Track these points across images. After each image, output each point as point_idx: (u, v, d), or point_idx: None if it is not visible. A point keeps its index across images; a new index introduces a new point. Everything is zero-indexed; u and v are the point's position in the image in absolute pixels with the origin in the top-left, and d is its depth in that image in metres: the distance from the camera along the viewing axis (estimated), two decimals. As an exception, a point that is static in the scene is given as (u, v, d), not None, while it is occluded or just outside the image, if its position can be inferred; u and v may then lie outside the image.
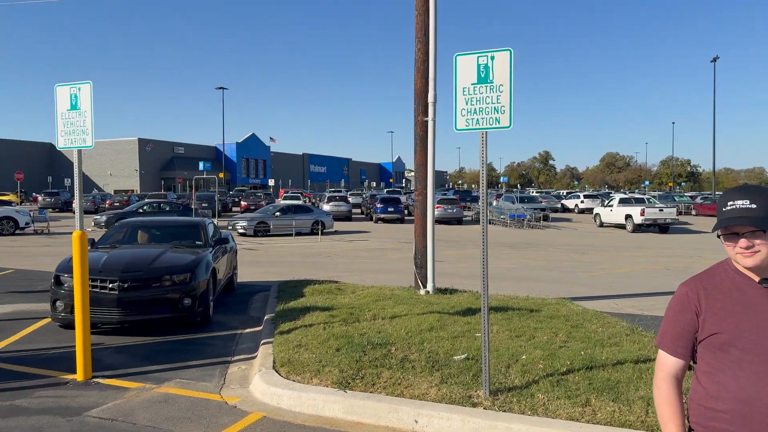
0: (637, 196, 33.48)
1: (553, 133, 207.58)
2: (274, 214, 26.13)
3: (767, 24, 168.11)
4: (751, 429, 1.89)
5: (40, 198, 44.08)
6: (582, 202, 46.23)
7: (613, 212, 30.20)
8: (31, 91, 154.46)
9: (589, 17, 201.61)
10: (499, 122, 5.08)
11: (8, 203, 43.65)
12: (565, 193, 57.59)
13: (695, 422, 2.04)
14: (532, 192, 61.77)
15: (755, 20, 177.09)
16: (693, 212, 42.98)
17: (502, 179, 49.43)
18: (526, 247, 21.46)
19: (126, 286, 7.36)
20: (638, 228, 27.76)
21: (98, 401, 5.33)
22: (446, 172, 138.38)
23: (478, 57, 5.14)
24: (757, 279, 1.97)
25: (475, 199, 44.00)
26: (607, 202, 32.46)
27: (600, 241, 23.61)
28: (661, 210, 27.79)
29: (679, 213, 39.06)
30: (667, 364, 2.09)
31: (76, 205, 6.15)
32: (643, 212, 27.30)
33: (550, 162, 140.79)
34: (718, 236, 1.99)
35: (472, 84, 5.16)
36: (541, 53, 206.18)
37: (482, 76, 5.12)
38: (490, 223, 33.10)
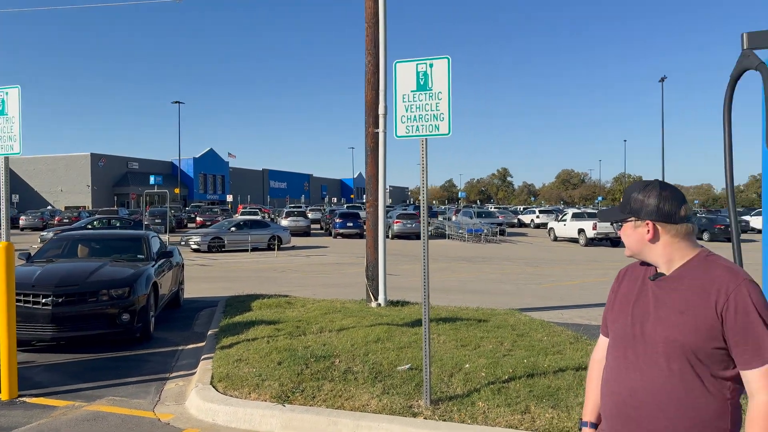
0: (589, 210, 34.28)
1: (511, 151, 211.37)
2: (230, 229, 25.73)
3: (712, 45, 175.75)
4: (605, 411, 2.02)
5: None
6: (537, 217, 47.09)
7: (567, 227, 30.82)
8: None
9: (544, 39, 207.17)
10: (438, 129, 5.08)
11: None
12: (521, 209, 58.57)
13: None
14: (491, 207, 62.61)
15: (701, 42, 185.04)
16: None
17: (460, 194, 49.94)
18: (483, 260, 21.65)
19: (60, 300, 7.04)
20: (590, 242, 28.34)
21: (22, 421, 5.04)
22: (408, 188, 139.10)
23: (417, 64, 5.14)
24: (659, 270, 1.98)
25: (435, 214, 44.26)
26: (560, 217, 33.11)
27: (553, 255, 23.99)
28: (613, 224, 28.45)
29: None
30: (598, 343, 2.22)
31: (2, 214, 5.87)
32: (595, 226, 27.90)
33: (509, 179, 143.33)
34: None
35: (412, 91, 5.16)
36: (502, 74, 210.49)
37: (421, 83, 5.12)
38: (448, 238, 33.42)
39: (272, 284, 13.93)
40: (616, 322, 2.01)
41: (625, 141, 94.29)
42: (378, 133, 9.70)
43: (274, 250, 24.42)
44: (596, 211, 33.30)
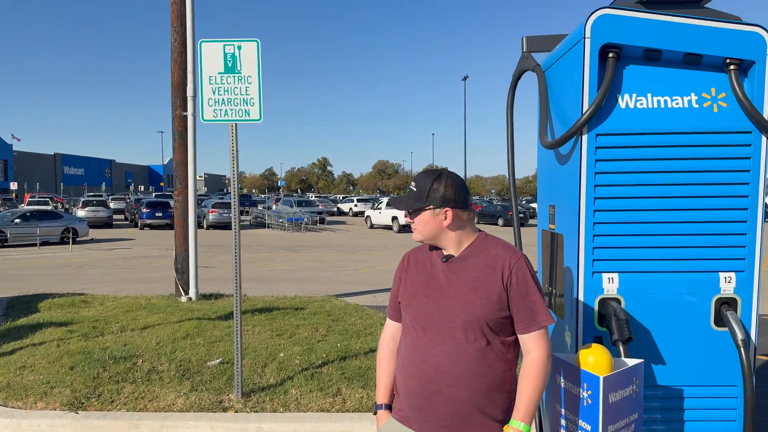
0: (403, 199, 36.00)
1: (331, 141, 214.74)
2: (13, 221, 22.64)
3: (509, 46, 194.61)
4: (405, 387, 2.12)
5: None
6: (356, 205, 48.42)
7: (382, 215, 32.14)
8: None
9: (361, 33, 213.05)
10: (249, 114, 4.93)
11: None
12: (341, 198, 59.82)
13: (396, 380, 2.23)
14: (311, 196, 63.00)
15: (499, 43, 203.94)
16: (451, 214, 47.67)
17: (280, 183, 49.51)
18: (303, 249, 21.69)
19: None
20: (403, 228, 29.88)
21: None
22: (225, 176, 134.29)
23: (224, 45, 4.93)
24: (446, 252, 2.14)
25: (254, 203, 43.35)
26: (376, 205, 34.41)
27: (370, 242, 24.87)
28: (408, 212, 30.27)
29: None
30: (386, 325, 2.30)
31: None
32: (407, 214, 29.46)
33: (329, 168, 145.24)
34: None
35: (220, 73, 4.94)
36: (322, 64, 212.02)
37: (230, 65, 4.93)
38: (269, 227, 32.94)
39: (67, 282, 12.56)
40: (411, 305, 2.11)
41: (433, 134, 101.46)
42: (186, 116, 9.19)
43: (68, 243, 22.05)
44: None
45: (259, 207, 39.89)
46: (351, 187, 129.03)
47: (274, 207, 36.92)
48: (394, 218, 30.33)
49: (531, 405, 1.98)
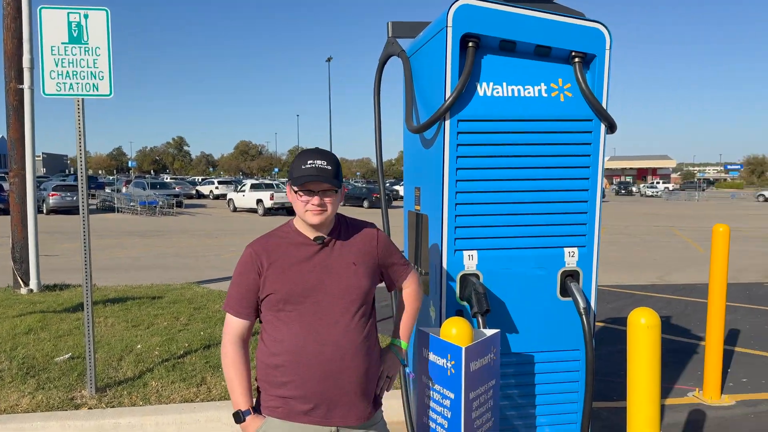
0: (267, 182, 35.40)
1: (187, 119, 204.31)
2: None
3: (374, 28, 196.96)
4: (301, 376, 2.00)
5: None
6: (217, 188, 46.67)
7: (246, 197, 31.32)
8: None
9: (223, 6, 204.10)
10: (97, 89, 4.55)
11: None
12: (200, 180, 57.31)
13: (261, 380, 2.10)
14: (166, 178, 59.66)
15: (363, 26, 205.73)
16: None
17: (131, 164, 46.17)
18: (158, 234, 20.53)
19: None
20: (268, 211, 29.38)
21: None
22: (66, 155, 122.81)
23: (68, 13, 4.48)
24: (312, 237, 2.08)
25: (101, 186, 40.17)
26: (239, 188, 33.46)
27: (233, 226, 24.16)
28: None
29: (304, 197, 42.80)
30: (232, 326, 2.07)
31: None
32: (272, 197, 29.01)
33: (185, 148, 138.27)
34: (296, 191, 2.01)
35: (64, 43, 4.49)
36: (179, 37, 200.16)
37: (75, 35, 4.50)
38: (118, 212, 30.71)
39: None
40: (295, 293, 2.00)
41: (298, 116, 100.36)
42: (23, 89, 8.27)
43: None
44: (274, 183, 34.57)
45: (107, 189, 37.06)
46: (211, 169, 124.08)
47: (124, 189, 34.53)
48: (259, 201, 29.71)
49: (410, 328, 2.35)
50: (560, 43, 2.72)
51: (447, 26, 2.63)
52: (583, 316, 2.79)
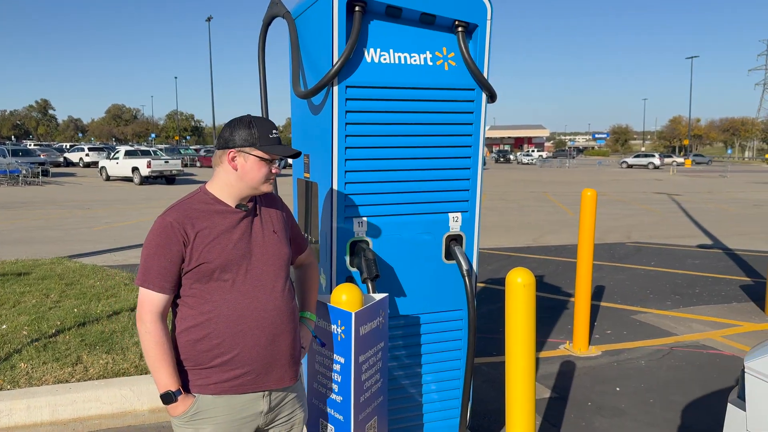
0: (143, 148, 33.36)
1: (52, 82, 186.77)
2: None
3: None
4: (244, 345, 1.97)
5: None
6: (87, 155, 43.33)
7: (120, 165, 29.38)
8: None
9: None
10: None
11: None
12: (68, 146, 52.93)
13: (186, 358, 1.98)
14: (30, 145, 54.48)
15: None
16: (198, 164, 45.72)
17: (-14, 129, 41.48)
18: (22, 206, 18.81)
19: None
20: (145, 180, 27.83)
21: None
22: None
23: None
24: (233, 205, 2.02)
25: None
26: (113, 155, 31.29)
27: (107, 196, 22.65)
28: (167, 162, 28.48)
29: (185, 165, 41.03)
30: (153, 302, 1.93)
31: None
32: (150, 164, 27.44)
33: (51, 112, 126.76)
34: (262, 159, 1.98)
35: None
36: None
37: None
38: (-28, 182, 27.72)
39: None
40: (231, 261, 1.96)
41: (176, 78, 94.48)
42: None
43: None
44: (151, 149, 32.65)
45: (-40, 157, 33.26)
46: (80, 135, 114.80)
47: (-19, 157, 31.08)
48: (135, 169, 28.00)
49: (315, 300, 2.42)
50: (444, 12, 2.77)
51: (333, -11, 2.58)
52: (466, 278, 2.92)
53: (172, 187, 26.87)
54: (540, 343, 5.47)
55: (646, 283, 7.93)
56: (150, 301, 1.93)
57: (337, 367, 2.37)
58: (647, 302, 6.92)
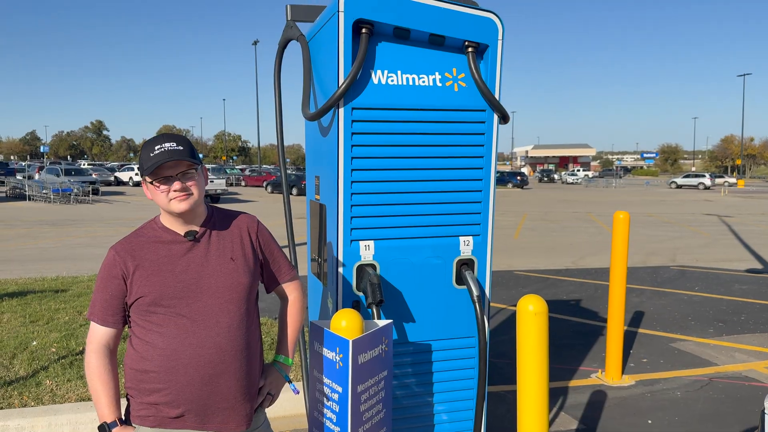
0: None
1: (107, 103, 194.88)
2: None
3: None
4: (176, 382, 1.90)
5: None
6: (136, 174, 44.81)
7: (167, 184, 30.27)
8: None
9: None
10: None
11: None
12: (119, 166, 54.90)
13: (130, 387, 1.96)
14: (84, 164, 56.70)
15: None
16: (242, 183, 46.66)
17: (43, 149, 43.34)
18: (71, 223, 19.51)
19: None
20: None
21: None
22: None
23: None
24: (182, 233, 1.96)
25: (12, 172, 37.75)
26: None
27: (152, 214, 23.28)
28: (212, 181, 29.18)
29: (230, 184, 41.87)
30: (97, 335, 1.92)
31: None
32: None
33: (105, 132, 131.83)
34: (152, 182, 1.88)
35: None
36: (100, 8, 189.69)
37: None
38: (30, 200, 29.00)
39: None
40: (167, 295, 1.88)
41: (224, 100, 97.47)
42: None
43: None
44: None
45: (18, 176, 34.87)
46: (131, 155, 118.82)
47: (36, 176, 32.56)
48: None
49: (295, 341, 2.25)
50: (454, 32, 2.71)
51: (339, 11, 2.57)
52: (476, 304, 2.82)
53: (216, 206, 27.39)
54: (571, 372, 5.26)
55: (689, 309, 7.58)
56: (93, 333, 1.93)
57: (335, 396, 2.30)
58: (688, 329, 6.61)
